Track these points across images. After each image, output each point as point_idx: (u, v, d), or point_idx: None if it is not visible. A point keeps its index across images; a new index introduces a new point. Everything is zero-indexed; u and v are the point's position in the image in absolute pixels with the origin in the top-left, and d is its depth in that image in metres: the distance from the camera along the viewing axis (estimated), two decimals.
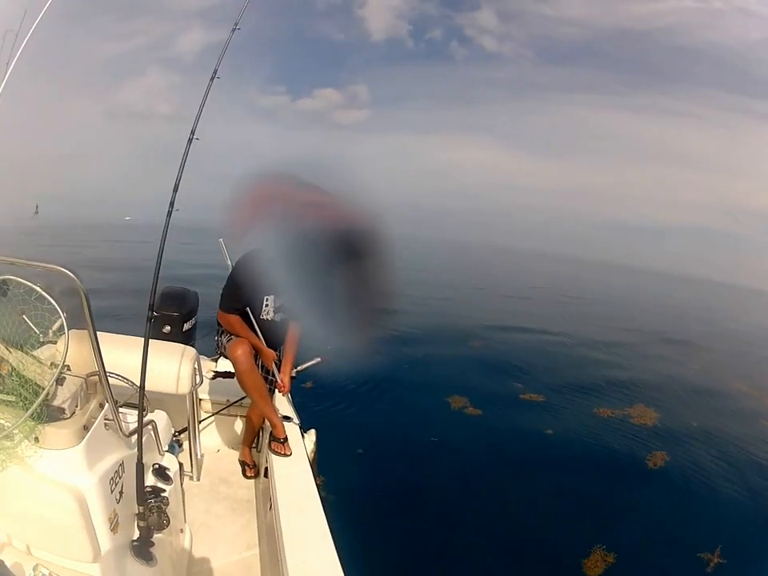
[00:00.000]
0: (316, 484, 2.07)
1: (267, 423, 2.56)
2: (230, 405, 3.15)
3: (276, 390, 2.78)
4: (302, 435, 2.56)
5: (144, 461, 1.54)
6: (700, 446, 5.39)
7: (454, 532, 3.49)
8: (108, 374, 1.39)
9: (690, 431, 5.85)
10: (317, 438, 2.79)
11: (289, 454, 2.41)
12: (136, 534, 1.51)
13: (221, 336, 2.69)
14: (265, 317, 2.60)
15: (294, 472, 2.14)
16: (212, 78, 1.83)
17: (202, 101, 1.77)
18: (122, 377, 1.72)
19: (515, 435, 5.24)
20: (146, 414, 1.61)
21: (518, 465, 4.59)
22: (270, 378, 2.76)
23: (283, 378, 2.73)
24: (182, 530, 2.05)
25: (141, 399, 1.57)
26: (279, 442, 2.47)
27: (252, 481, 2.86)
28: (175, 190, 1.80)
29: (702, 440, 5.58)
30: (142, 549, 1.48)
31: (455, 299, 16.03)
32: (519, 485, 4.22)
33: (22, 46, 1.79)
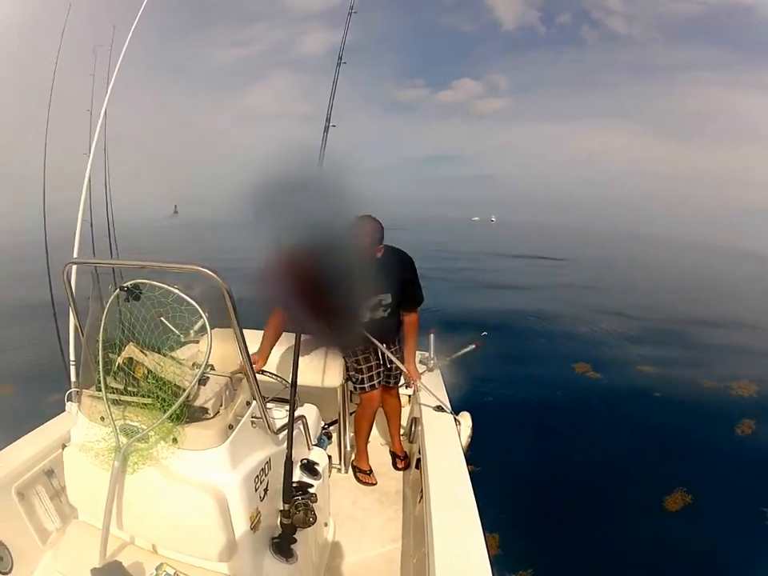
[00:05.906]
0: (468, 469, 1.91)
1: (422, 416, 2.45)
2: None
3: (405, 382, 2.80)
4: (456, 421, 2.41)
5: (292, 457, 1.50)
6: None
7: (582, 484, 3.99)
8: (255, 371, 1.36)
9: None
10: (473, 422, 2.62)
11: (374, 483, 2.65)
12: (278, 531, 1.49)
13: None
14: (380, 314, 2.48)
15: (448, 464, 1.98)
16: (338, 64, 1.81)
17: (333, 86, 1.73)
18: (270, 373, 1.74)
19: (625, 394, 6.07)
20: (296, 409, 1.58)
21: (624, 417, 5.30)
22: (390, 373, 2.72)
23: (409, 367, 2.65)
24: (325, 524, 2.05)
25: (292, 397, 1.54)
26: (365, 473, 2.70)
27: (401, 472, 2.80)
28: None
29: None
30: (283, 546, 1.46)
31: (588, 284, 16.85)
32: (622, 432, 4.91)
33: (120, 59, 1.96)
